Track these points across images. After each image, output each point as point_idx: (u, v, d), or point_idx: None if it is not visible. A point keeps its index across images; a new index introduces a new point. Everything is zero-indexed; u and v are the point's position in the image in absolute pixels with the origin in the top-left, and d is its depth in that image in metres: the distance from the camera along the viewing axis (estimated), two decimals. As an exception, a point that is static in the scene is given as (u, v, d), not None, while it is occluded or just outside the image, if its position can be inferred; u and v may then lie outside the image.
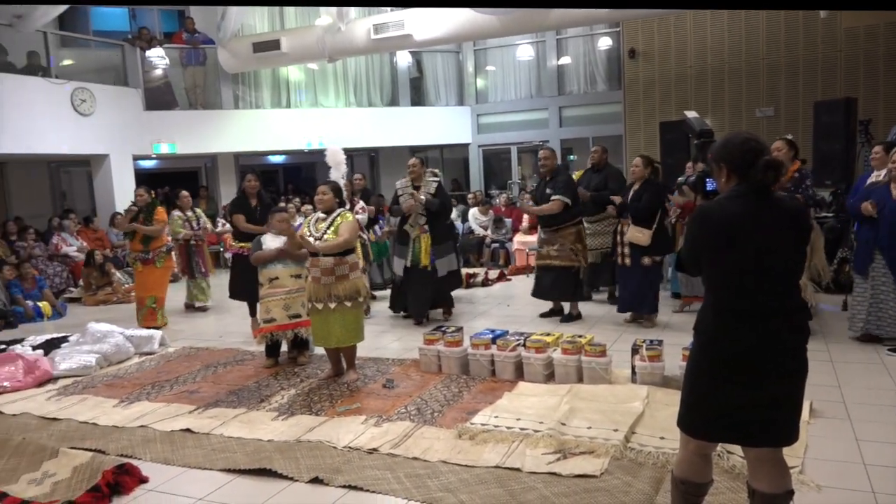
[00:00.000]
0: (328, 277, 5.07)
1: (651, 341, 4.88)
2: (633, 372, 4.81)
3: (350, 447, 3.93)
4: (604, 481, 3.37)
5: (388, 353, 6.06)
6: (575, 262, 6.80)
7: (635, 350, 4.85)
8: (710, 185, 2.50)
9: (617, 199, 6.74)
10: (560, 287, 6.89)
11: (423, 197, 6.91)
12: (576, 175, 7.79)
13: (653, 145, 12.09)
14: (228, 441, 4.15)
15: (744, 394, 2.40)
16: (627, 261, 6.48)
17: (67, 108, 10.94)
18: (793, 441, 2.48)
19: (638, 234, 6.35)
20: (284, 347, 5.99)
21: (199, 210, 9.16)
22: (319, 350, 6.02)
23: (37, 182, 13.27)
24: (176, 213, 8.72)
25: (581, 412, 4.18)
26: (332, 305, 5.07)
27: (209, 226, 9.08)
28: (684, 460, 2.63)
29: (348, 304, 5.10)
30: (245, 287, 6.75)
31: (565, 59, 14.39)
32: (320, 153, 15.16)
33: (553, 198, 6.71)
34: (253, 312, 7.01)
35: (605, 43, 13.86)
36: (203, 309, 8.81)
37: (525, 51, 14.43)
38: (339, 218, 5.16)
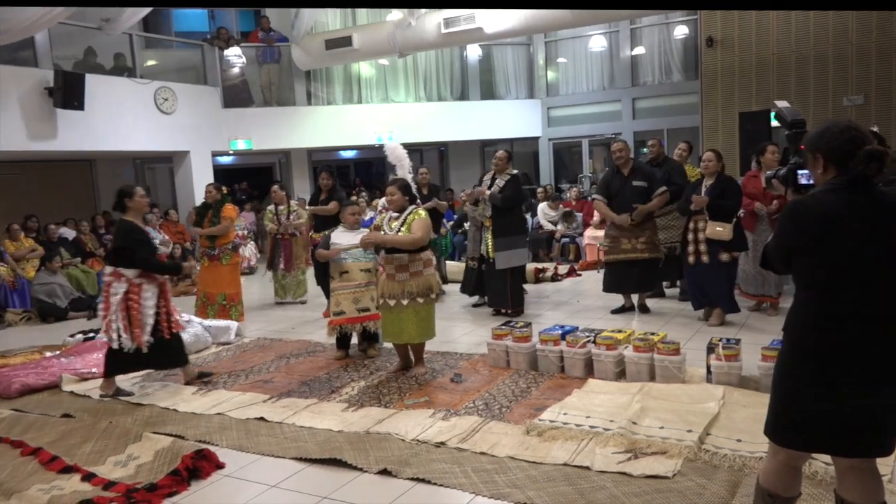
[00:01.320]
0: (403, 274, 5.12)
1: (727, 340, 4.73)
2: (709, 371, 4.67)
3: (418, 440, 3.96)
4: (676, 483, 3.29)
5: (456, 348, 6.08)
6: (658, 254, 6.89)
7: (711, 349, 4.71)
8: (805, 178, 2.33)
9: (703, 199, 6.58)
10: (649, 279, 6.89)
11: (487, 192, 6.97)
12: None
13: (731, 137, 11.71)
14: (300, 431, 4.24)
15: (838, 400, 2.24)
16: (705, 258, 6.32)
17: (151, 106, 11.41)
18: (891, 452, 2.30)
19: (720, 230, 6.21)
20: (355, 340, 6.09)
21: (294, 203, 9.08)
22: (389, 343, 6.09)
23: (123, 178, 13.91)
24: (269, 207, 8.90)
25: (653, 411, 4.10)
26: (405, 302, 5.11)
27: (303, 220, 8.86)
28: (772, 471, 2.46)
29: (421, 300, 5.14)
30: (323, 277, 7.07)
31: (639, 49, 14.08)
32: (391, 148, 15.41)
33: (660, 191, 6.76)
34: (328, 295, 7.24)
35: (681, 31, 13.48)
36: (295, 303, 8.88)
37: (597, 41, 14.18)
38: (411, 216, 5.20)
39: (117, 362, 5.10)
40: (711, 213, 6.23)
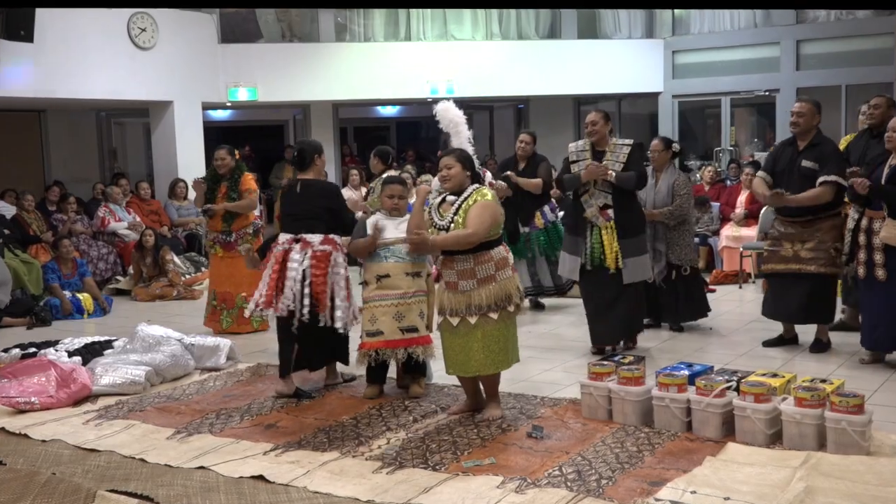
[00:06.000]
0: (468, 282, 5.13)
1: (937, 395, 4.54)
2: (907, 439, 4.51)
3: (480, 520, 3.90)
4: None
5: (535, 388, 6.01)
6: (838, 269, 6.63)
7: (911, 406, 4.54)
8: None
9: (858, 178, 6.33)
10: (815, 304, 6.68)
11: (612, 171, 6.63)
12: (842, 143, 7.35)
13: (942, 98, 11.32)
14: (314, 497, 4.23)
15: None
16: (881, 272, 6.18)
17: (122, 39, 11.63)
18: None
19: None
20: (393, 371, 6.07)
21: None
22: (440, 378, 6.06)
23: (82, 136, 14.23)
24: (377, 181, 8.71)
25: (823, 494, 3.98)
26: (473, 320, 5.13)
27: None
28: None
29: (493, 315, 5.14)
30: None
31: (808, -29, 13.80)
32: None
33: (823, 179, 6.49)
34: None
35: (870, -55, 13.12)
36: None
37: (748, -41, 13.94)
38: (469, 200, 5.18)
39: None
40: (891, 209, 6.10)
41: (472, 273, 5.12)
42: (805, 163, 6.57)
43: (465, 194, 5.22)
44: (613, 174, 6.62)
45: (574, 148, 7.02)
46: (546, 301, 8.93)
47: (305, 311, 5.71)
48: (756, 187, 7.03)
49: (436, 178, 8.34)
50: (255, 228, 8.08)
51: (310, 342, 5.94)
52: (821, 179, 6.49)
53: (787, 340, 6.96)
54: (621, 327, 6.91)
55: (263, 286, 5.87)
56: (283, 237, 5.95)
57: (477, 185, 5.30)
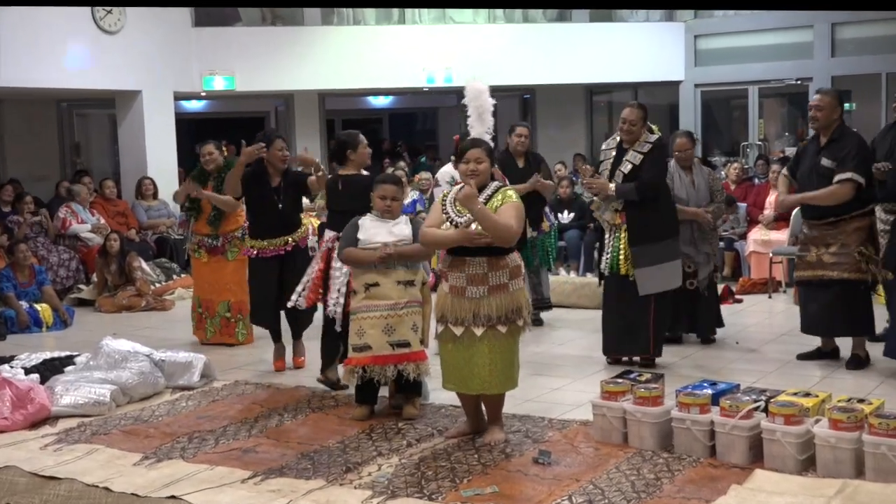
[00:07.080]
0: (477, 287, 5.11)
1: None
2: (954, 466, 4.50)
3: (481, 555, 3.91)
4: None
5: (542, 409, 6.01)
6: (865, 275, 6.61)
7: (958, 429, 4.53)
8: None
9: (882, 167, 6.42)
10: (844, 314, 6.68)
11: (611, 186, 6.75)
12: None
13: None
14: (297, 531, 4.24)
15: None
16: (891, 275, 6.33)
17: (87, 22, 11.62)
18: None
19: None
20: (385, 390, 6.07)
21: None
22: (437, 398, 6.07)
23: (40, 129, 14.20)
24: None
25: (862, 527, 3.97)
26: (479, 331, 5.11)
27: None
28: None
29: (502, 329, 5.14)
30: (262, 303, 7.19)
31: (845, -52, 13.84)
32: (447, 93, 15.38)
33: (838, 178, 6.50)
34: (277, 337, 7.33)
35: (913, -82, 13.16)
36: None
37: (778, -67, 13.98)
38: (497, 196, 5.16)
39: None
40: None
41: (484, 279, 5.11)
42: (824, 161, 6.59)
43: (488, 191, 5.20)
44: (612, 189, 6.74)
45: (604, 147, 7.17)
46: (552, 314, 8.92)
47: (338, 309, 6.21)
48: (780, 187, 7.20)
49: (445, 169, 8.37)
50: (244, 232, 8.03)
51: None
52: (837, 178, 6.51)
53: (825, 354, 6.97)
54: (632, 339, 6.94)
55: (307, 282, 6.44)
56: (328, 234, 6.48)
57: (500, 183, 5.31)
